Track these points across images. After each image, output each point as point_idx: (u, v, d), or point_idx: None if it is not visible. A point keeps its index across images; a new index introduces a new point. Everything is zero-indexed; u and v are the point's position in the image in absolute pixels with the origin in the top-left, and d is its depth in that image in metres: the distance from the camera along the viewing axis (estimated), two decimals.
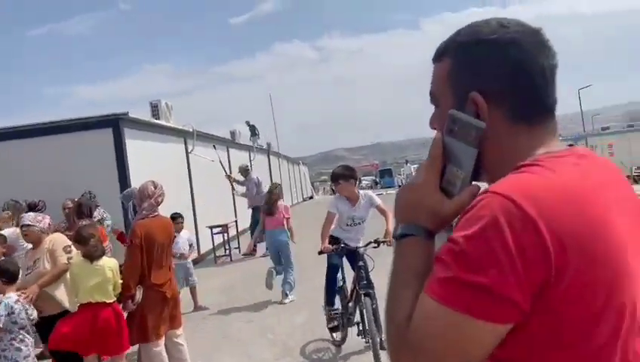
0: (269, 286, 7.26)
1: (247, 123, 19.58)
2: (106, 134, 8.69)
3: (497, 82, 0.89)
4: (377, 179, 47.71)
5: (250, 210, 11.90)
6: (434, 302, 0.79)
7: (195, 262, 11.26)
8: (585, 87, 46.23)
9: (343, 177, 5.04)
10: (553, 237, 0.75)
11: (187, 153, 12.03)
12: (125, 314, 4.45)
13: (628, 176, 17.90)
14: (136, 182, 7.19)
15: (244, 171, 11.87)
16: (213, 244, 11.59)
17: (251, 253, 11.60)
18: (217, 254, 11.67)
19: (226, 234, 11.81)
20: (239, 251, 12.07)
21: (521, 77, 0.89)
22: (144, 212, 4.48)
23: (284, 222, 7.59)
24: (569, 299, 0.77)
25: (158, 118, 11.00)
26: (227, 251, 11.77)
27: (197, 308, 7.45)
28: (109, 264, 4.42)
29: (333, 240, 5.13)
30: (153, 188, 4.54)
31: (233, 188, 11.68)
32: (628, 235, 0.83)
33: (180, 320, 4.78)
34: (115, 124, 8.75)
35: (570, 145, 0.93)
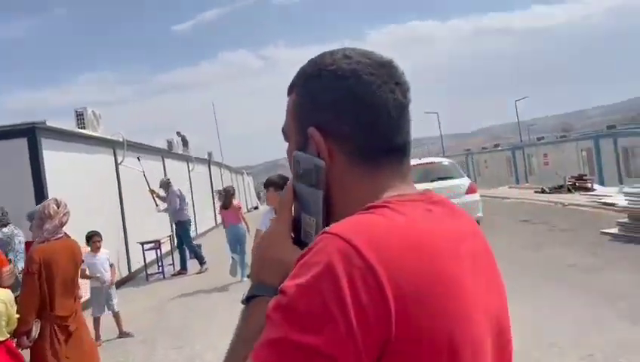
0: (234, 273, 8.62)
1: (178, 133, 19.41)
2: (20, 145, 8.00)
3: (336, 117, 0.80)
4: None
5: (174, 226, 11.39)
6: None
7: (126, 280, 10.63)
8: (521, 98, 48.04)
9: (274, 185, 4.71)
10: (397, 291, 0.66)
11: (117, 164, 11.36)
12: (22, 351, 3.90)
13: (562, 186, 18.44)
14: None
15: (165, 185, 11.21)
16: (145, 261, 10.96)
17: (181, 273, 11.05)
18: (149, 271, 11.04)
19: (158, 251, 11.19)
20: (173, 268, 11.48)
21: (362, 112, 0.80)
22: (45, 234, 3.96)
23: (240, 216, 9.55)
24: (408, 360, 0.67)
25: (84, 128, 10.34)
26: (160, 268, 11.15)
27: (122, 334, 6.87)
28: (1, 296, 3.85)
29: None
30: (56, 208, 4.02)
31: (156, 204, 11.11)
32: (479, 293, 0.76)
33: (94, 356, 4.26)
34: (31, 133, 8.07)
35: (426, 190, 0.84)
